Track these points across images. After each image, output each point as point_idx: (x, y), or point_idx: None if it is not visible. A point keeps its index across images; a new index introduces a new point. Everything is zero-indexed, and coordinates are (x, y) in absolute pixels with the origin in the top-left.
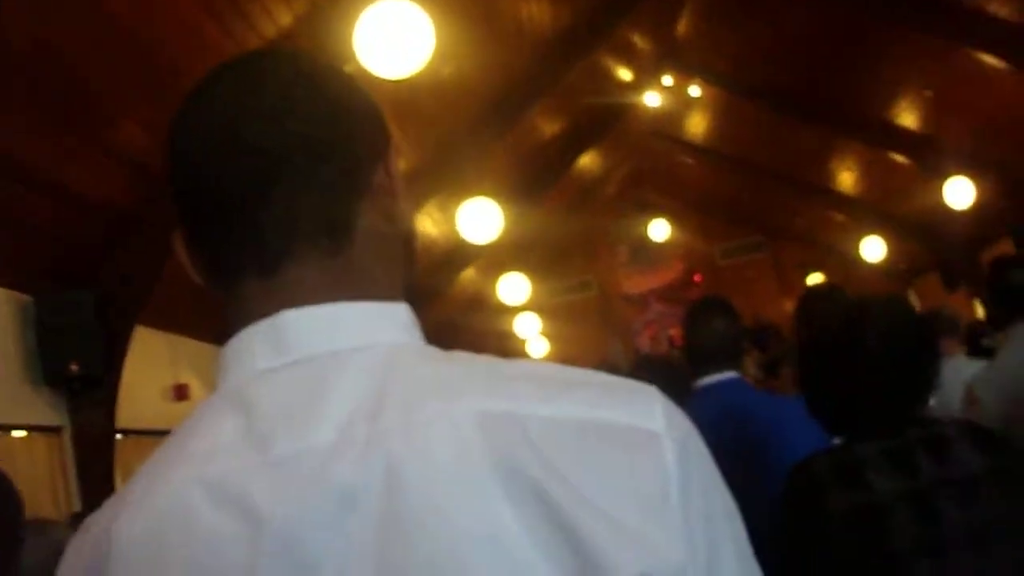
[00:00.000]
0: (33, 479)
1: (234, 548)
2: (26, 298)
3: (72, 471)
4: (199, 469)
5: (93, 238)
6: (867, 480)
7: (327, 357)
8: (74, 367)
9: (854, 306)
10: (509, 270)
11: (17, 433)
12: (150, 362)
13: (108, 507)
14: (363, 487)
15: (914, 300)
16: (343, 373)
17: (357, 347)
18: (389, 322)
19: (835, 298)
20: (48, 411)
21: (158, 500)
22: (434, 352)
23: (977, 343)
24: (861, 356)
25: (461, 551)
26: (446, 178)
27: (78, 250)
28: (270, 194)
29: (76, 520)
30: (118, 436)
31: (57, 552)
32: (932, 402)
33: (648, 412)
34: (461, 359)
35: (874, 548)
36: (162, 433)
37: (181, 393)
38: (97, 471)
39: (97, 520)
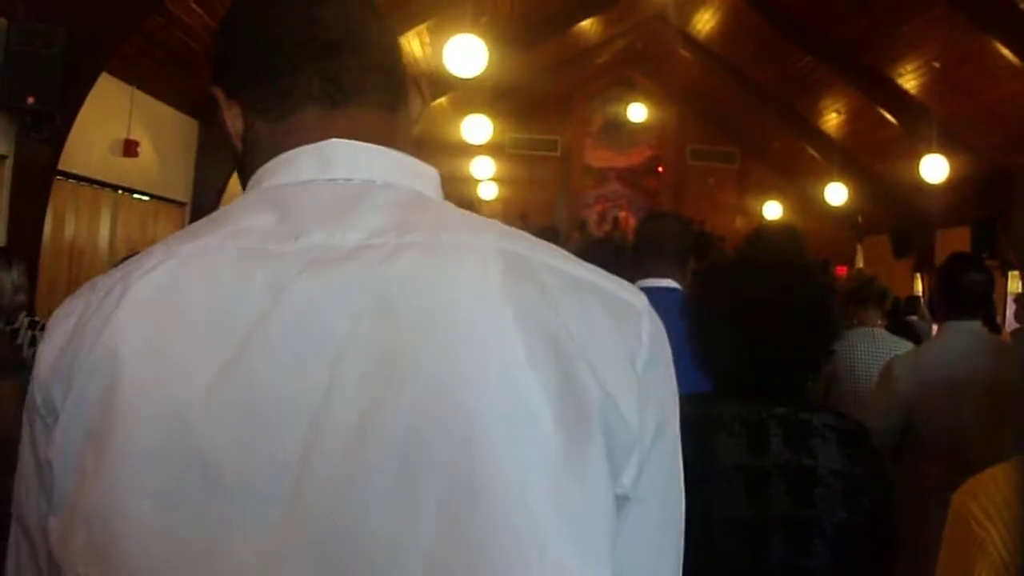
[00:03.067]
0: None
1: (254, 296)
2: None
3: (4, 202)
4: (232, 239)
5: None
6: (715, 441)
7: (364, 182)
8: (31, 99)
9: (773, 266)
10: (479, 112)
11: None
12: (106, 111)
13: (118, 270)
14: (385, 281)
15: (860, 256)
16: (376, 197)
17: (393, 183)
18: (424, 178)
19: (780, 245)
20: None
21: (185, 249)
22: (456, 207)
23: (901, 319)
24: (754, 320)
25: (466, 359)
26: (444, 3)
27: None
28: (343, 54)
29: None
30: (58, 177)
31: None
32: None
33: (636, 294)
34: (479, 216)
35: (698, 509)
36: (102, 184)
37: (130, 149)
38: (30, 208)
39: (110, 275)
